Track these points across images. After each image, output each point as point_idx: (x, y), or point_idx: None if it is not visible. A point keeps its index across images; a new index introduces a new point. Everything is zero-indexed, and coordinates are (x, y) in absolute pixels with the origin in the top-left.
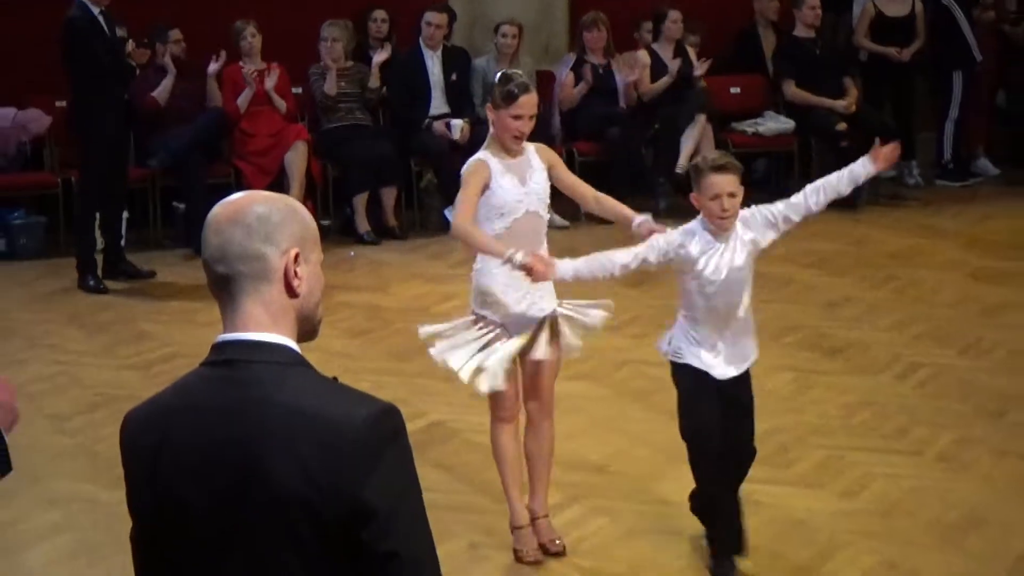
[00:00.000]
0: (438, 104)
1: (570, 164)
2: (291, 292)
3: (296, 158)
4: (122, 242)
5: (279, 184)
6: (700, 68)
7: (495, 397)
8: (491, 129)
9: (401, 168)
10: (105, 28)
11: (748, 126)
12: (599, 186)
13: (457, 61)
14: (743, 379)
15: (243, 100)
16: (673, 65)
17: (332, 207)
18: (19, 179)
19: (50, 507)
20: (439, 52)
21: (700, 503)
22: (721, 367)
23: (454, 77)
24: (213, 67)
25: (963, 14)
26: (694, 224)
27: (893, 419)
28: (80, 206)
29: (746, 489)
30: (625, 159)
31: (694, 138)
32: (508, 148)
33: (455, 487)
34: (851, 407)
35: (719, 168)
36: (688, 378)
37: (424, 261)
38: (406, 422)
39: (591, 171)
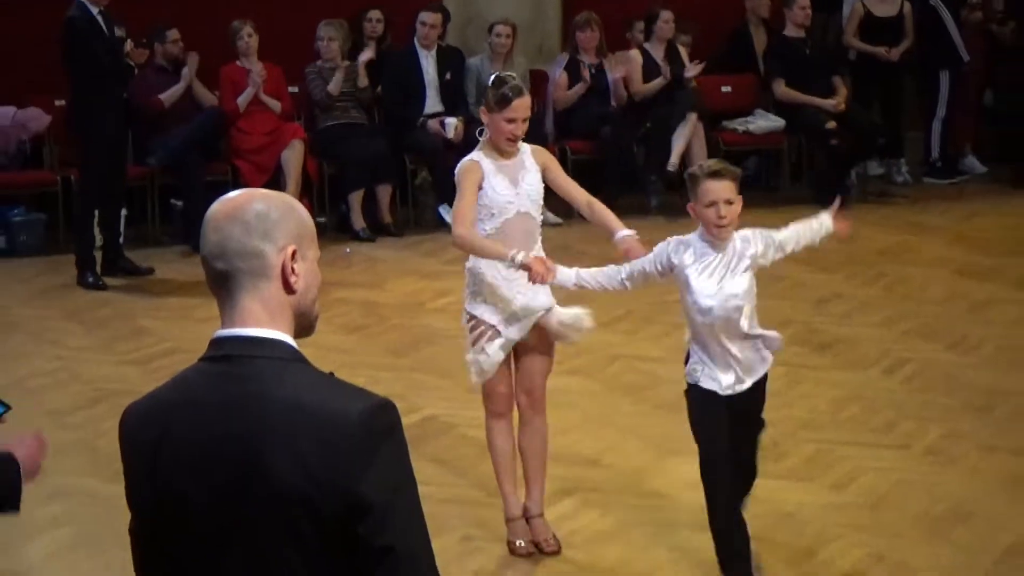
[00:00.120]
0: (432, 103)
1: (563, 162)
2: (288, 289)
3: (292, 156)
4: (121, 239)
5: (276, 182)
6: (692, 71)
7: (489, 393)
8: (485, 131)
9: (396, 166)
10: (104, 28)
11: (739, 124)
12: (592, 184)
13: (451, 60)
14: (754, 392)
15: (243, 99)
16: (666, 67)
17: (328, 204)
18: (19, 177)
19: (50, 501)
20: (433, 51)
21: (712, 529)
22: (731, 381)
23: (448, 76)
24: (186, 70)
25: (950, 15)
26: (692, 235)
27: (882, 413)
28: (79, 204)
29: None
30: (617, 157)
31: (685, 136)
32: (501, 150)
33: (450, 481)
34: (840, 402)
35: (715, 175)
36: (695, 401)
37: (419, 257)
38: (402, 417)
39: (584, 169)
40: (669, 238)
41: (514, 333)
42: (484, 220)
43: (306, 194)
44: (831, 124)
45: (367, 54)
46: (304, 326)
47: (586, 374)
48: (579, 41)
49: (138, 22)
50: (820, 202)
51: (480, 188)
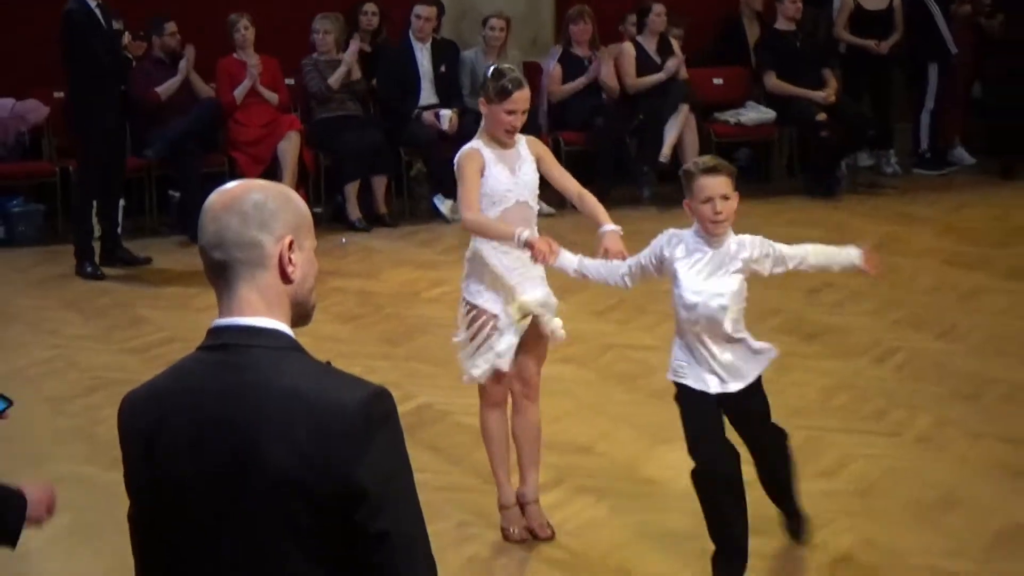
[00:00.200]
0: (427, 95)
1: (556, 154)
2: (285, 278)
3: (289, 148)
4: (119, 229)
5: (272, 173)
6: (675, 64)
7: (486, 383)
8: (483, 121)
9: (391, 157)
10: (102, 21)
11: (730, 116)
12: (585, 175)
13: (446, 53)
14: (748, 396)
15: (240, 91)
16: (671, 64)
17: (324, 195)
18: (18, 168)
19: None
20: (428, 44)
21: (709, 530)
22: (716, 384)
23: (443, 69)
24: (183, 63)
25: (939, 8)
26: (687, 230)
27: (872, 401)
28: (78, 195)
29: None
30: (610, 149)
31: (677, 128)
32: (500, 141)
33: (445, 468)
34: (831, 390)
35: (710, 170)
36: (686, 403)
37: (414, 248)
38: (397, 405)
39: (577, 160)
40: (665, 231)
41: (513, 335)
42: (485, 209)
43: (302, 185)
44: (821, 116)
45: (353, 46)
46: (301, 315)
47: (579, 363)
48: (572, 34)
49: (136, 15)
50: (811, 193)
51: (482, 175)
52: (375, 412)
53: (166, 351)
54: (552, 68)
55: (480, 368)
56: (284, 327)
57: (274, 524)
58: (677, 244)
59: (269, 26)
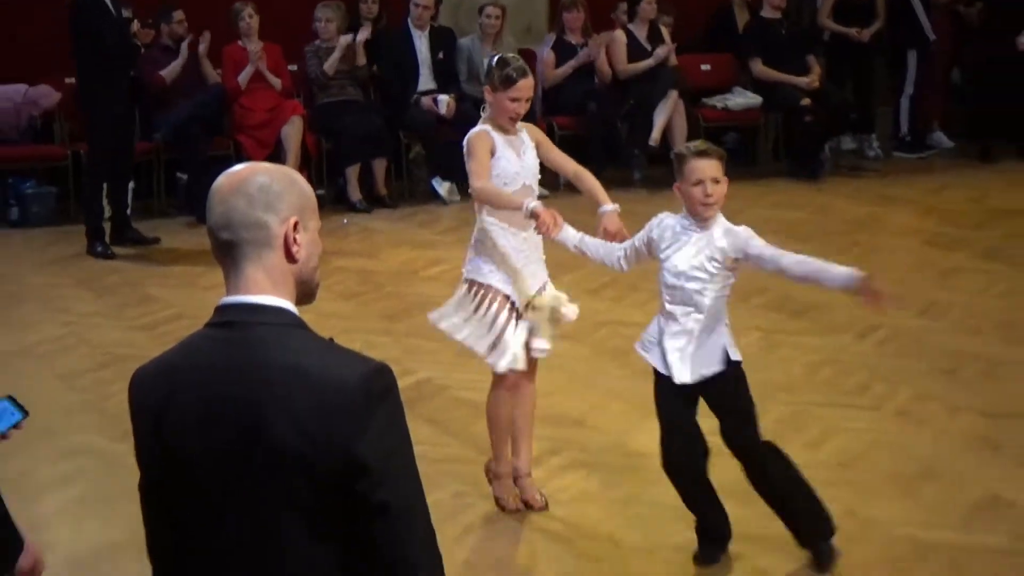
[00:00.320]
0: (425, 81)
1: (551, 137)
2: (291, 258)
3: (292, 132)
4: (128, 211)
5: (276, 156)
6: (664, 51)
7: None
8: (487, 108)
9: (391, 141)
10: (111, 9)
11: (718, 101)
12: (578, 158)
13: (443, 40)
14: (723, 387)
15: (244, 77)
16: (660, 51)
17: (326, 178)
18: (31, 151)
19: (61, 459)
20: (426, 32)
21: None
22: (678, 366)
23: (440, 56)
24: (202, 47)
25: None
26: (678, 215)
27: (854, 376)
28: (88, 177)
29: (714, 443)
30: (602, 133)
31: (667, 113)
32: (504, 127)
33: (443, 440)
34: (815, 365)
35: (701, 154)
36: (658, 391)
37: (413, 228)
38: (397, 380)
39: (570, 144)
40: (659, 214)
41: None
42: None
43: (305, 168)
44: (806, 101)
45: (363, 33)
46: (306, 293)
47: (574, 339)
48: (565, 21)
49: (145, 3)
50: (796, 176)
51: (492, 156)
52: (376, 387)
53: (174, 328)
54: (546, 55)
55: (509, 359)
56: (289, 305)
57: (278, 499)
58: (667, 227)
59: (273, 14)
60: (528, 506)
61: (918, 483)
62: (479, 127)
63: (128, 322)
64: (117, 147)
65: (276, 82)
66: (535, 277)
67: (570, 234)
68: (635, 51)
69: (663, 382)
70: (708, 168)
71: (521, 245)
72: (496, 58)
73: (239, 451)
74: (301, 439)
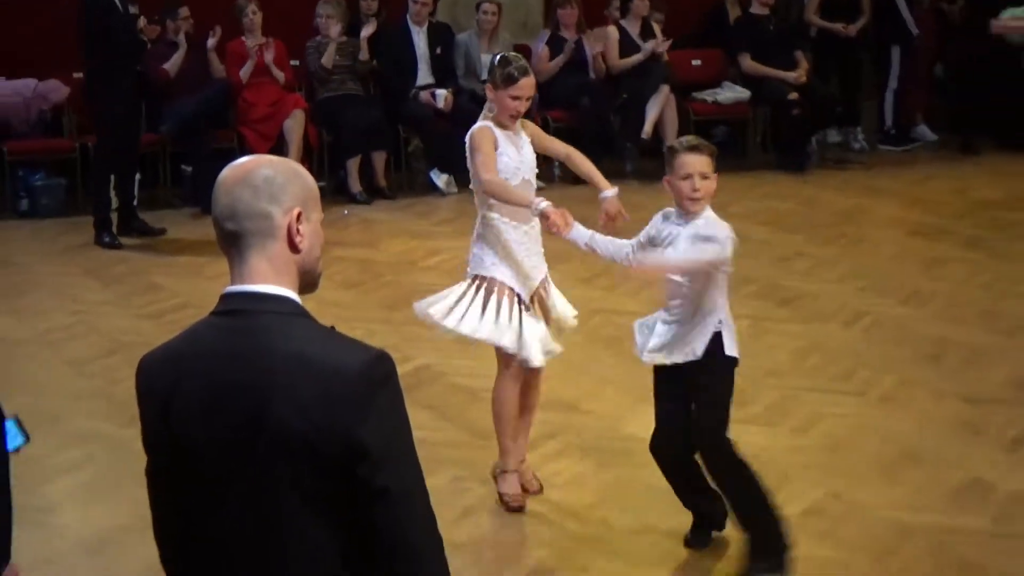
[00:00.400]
0: (424, 75)
1: (545, 130)
2: (294, 248)
3: (294, 125)
4: (135, 202)
5: (279, 149)
6: (662, 46)
7: (511, 356)
8: (487, 105)
9: (390, 134)
10: (119, 5)
11: (707, 95)
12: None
13: (441, 36)
14: (699, 371)
15: (245, 72)
16: (648, 45)
17: (327, 170)
18: (40, 144)
19: (70, 444)
20: (425, 27)
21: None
22: (651, 346)
23: (439, 51)
24: (211, 42)
25: None
26: (670, 209)
27: (840, 363)
28: (96, 169)
29: None
30: (595, 126)
31: (658, 106)
32: (504, 124)
33: (441, 425)
34: (802, 352)
35: (693, 149)
36: (655, 379)
37: (411, 219)
38: (397, 366)
39: (564, 137)
40: (662, 210)
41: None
42: None
43: (306, 160)
44: (793, 95)
45: (368, 29)
46: (309, 283)
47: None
48: (560, 18)
49: (150, 0)
50: (783, 168)
51: (495, 150)
52: (376, 374)
53: (180, 316)
54: (540, 50)
55: (539, 354)
56: (292, 294)
57: (281, 485)
58: (663, 221)
59: (276, 11)
60: (524, 490)
61: (902, 467)
62: (481, 123)
63: (135, 310)
64: (124, 139)
65: (279, 75)
66: (536, 270)
67: (581, 233)
68: (627, 47)
69: (658, 373)
70: (697, 163)
71: (522, 238)
72: (499, 57)
73: (243, 437)
74: (304, 425)
